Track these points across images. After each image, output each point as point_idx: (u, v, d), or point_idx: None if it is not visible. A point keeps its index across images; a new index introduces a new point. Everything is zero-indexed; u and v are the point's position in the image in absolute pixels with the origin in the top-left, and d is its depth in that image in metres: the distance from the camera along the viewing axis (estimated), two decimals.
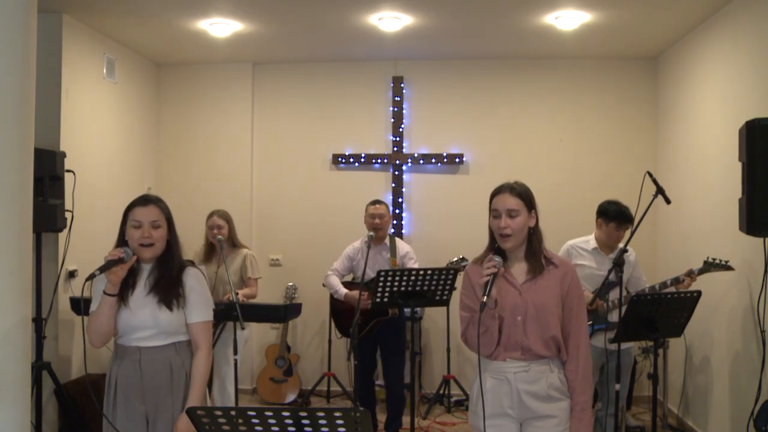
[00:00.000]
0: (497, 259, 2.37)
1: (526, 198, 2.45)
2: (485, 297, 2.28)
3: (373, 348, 4.69)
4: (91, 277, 2.43)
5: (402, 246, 4.81)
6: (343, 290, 4.63)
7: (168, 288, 2.58)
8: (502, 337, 2.42)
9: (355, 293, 4.40)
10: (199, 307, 2.65)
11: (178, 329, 2.62)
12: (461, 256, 4.92)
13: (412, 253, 4.78)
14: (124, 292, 2.56)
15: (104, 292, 2.51)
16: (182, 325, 2.63)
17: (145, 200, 2.66)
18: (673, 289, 3.93)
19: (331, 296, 4.85)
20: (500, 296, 2.42)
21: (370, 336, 4.59)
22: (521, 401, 2.41)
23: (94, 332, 2.55)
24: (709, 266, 3.91)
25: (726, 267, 3.87)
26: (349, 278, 4.85)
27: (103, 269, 2.44)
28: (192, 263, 2.78)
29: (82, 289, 2.44)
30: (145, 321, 2.56)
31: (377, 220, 4.63)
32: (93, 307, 2.60)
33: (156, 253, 2.61)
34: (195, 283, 2.66)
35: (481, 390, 2.42)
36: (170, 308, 2.57)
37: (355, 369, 4.28)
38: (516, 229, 2.41)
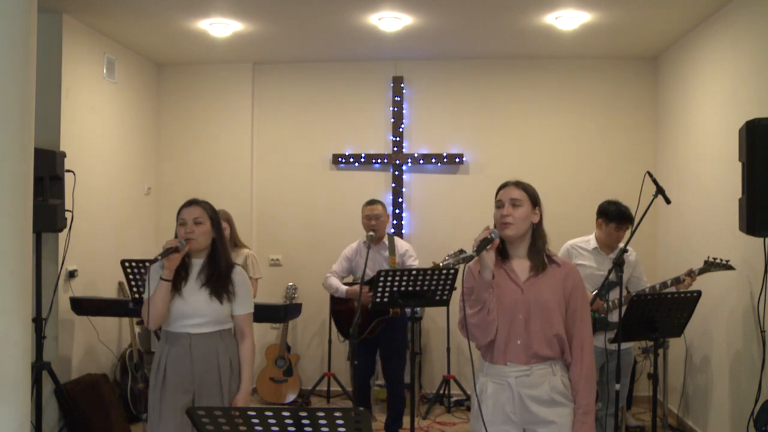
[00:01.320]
0: (495, 229, 2.38)
1: (531, 193, 2.47)
2: (474, 253, 2.28)
3: (373, 349, 4.69)
4: (154, 261, 2.84)
5: (401, 244, 4.80)
6: (344, 287, 4.62)
7: (219, 283, 2.94)
8: (502, 337, 2.40)
9: (356, 288, 4.39)
10: (245, 300, 3.02)
11: (225, 319, 2.97)
12: (460, 249, 4.91)
13: (411, 251, 4.77)
14: (177, 283, 2.91)
15: (161, 278, 2.85)
16: (228, 316, 2.98)
17: (190, 202, 3.01)
18: (673, 289, 3.93)
19: (331, 299, 4.84)
20: (502, 293, 2.40)
21: (371, 337, 4.58)
22: (524, 406, 2.37)
23: (151, 315, 2.87)
24: (710, 266, 3.91)
25: (726, 266, 3.88)
26: (348, 280, 4.84)
27: (163, 255, 2.81)
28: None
29: (148, 274, 2.87)
30: (198, 310, 2.91)
31: (373, 221, 4.61)
32: (148, 293, 2.93)
33: (199, 246, 2.95)
34: (242, 280, 3.03)
35: (484, 395, 2.39)
36: (220, 301, 2.92)
37: (355, 369, 4.28)
38: (518, 217, 2.41)
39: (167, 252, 2.82)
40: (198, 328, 2.91)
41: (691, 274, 3.91)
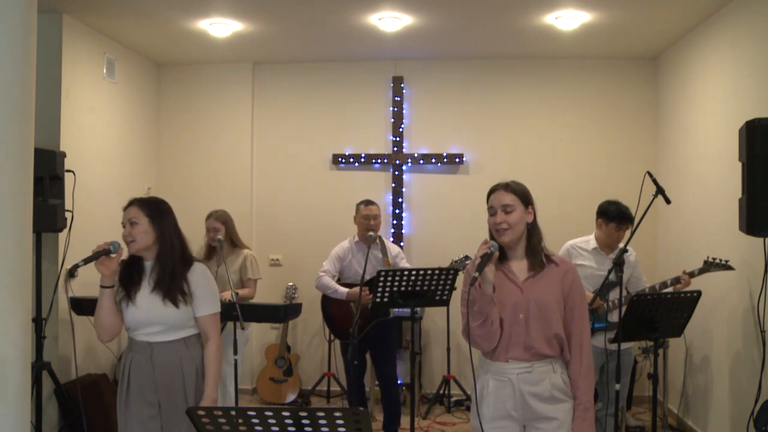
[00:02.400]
0: (493, 242, 2.37)
1: (521, 194, 2.46)
2: (477, 273, 2.27)
3: (364, 349, 4.67)
4: (75, 267, 2.51)
5: (391, 246, 4.81)
6: (343, 289, 4.59)
7: (171, 285, 2.68)
8: (504, 336, 2.41)
9: (357, 290, 4.38)
10: (206, 301, 2.75)
11: (186, 323, 2.72)
12: (465, 255, 4.91)
13: (402, 253, 4.80)
14: (130, 289, 2.69)
15: (100, 286, 2.64)
16: (190, 319, 2.73)
17: (128, 202, 2.79)
18: (672, 289, 3.93)
19: (323, 301, 4.76)
20: (501, 294, 2.41)
21: (363, 337, 4.56)
22: (525, 403, 2.39)
23: (98, 326, 2.69)
24: (710, 266, 3.91)
25: (726, 267, 3.88)
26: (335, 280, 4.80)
27: (87, 260, 2.54)
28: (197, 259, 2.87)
29: (66, 281, 2.54)
30: (152, 317, 2.67)
31: (372, 221, 4.60)
32: None
33: (139, 247, 2.71)
34: (200, 278, 2.75)
35: (486, 391, 2.40)
36: (176, 304, 2.66)
37: (353, 370, 4.26)
38: (512, 222, 2.41)
39: (94, 256, 2.56)
40: (158, 336, 2.67)
41: (690, 275, 3.92)
